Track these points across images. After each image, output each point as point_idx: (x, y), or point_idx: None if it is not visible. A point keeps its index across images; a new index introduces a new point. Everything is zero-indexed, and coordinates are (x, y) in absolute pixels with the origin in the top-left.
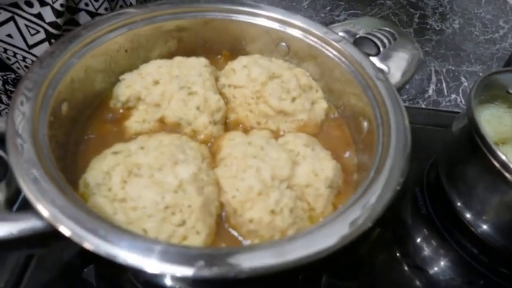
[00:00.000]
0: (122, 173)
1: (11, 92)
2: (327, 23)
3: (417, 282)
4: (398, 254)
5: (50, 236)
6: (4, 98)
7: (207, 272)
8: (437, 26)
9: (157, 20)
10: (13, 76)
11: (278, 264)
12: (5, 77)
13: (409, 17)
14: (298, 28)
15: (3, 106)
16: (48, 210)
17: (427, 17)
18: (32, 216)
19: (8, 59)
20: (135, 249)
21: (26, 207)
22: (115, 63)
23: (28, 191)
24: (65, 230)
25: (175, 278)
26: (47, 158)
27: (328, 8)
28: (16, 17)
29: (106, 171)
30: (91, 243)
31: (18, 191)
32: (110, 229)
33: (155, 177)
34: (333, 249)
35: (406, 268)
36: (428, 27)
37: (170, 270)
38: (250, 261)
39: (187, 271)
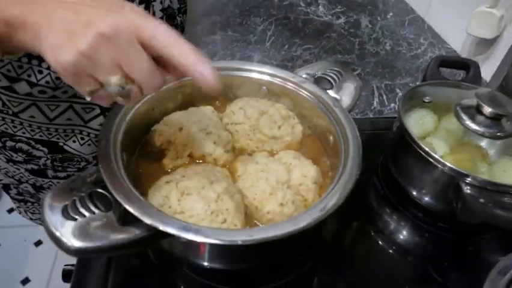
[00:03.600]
0: (177, 195)
1: (58, 166)
2: (288, 58)
3: (389, 249)
4: (372, 233)
5: (149, 238)
6: (50, 172)
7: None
8: (373, 50)
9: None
10: (60, 156)
11: (292, 230)
12: (53, 157)
13: (351, 45)
14: (274, 76)
15: (46, 180)
16: (152, 221)
17: (365, 43)
18: (136, 227)
19: (66, 135)
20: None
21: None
22: (147, 118)
23: (138, 213)
24: (170, 230)
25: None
26: (133, 190)
27: (286, 46)
28: (74, 105)
29: (164, 195)
30: (178, 234)
31: (121, 214)
32: (183, 224)
33: (201, 194)
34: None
35: (380, 242)
36: (366, 51)
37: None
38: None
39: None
